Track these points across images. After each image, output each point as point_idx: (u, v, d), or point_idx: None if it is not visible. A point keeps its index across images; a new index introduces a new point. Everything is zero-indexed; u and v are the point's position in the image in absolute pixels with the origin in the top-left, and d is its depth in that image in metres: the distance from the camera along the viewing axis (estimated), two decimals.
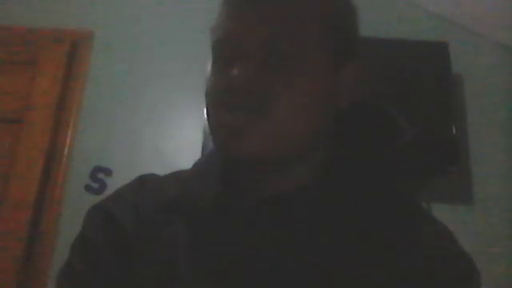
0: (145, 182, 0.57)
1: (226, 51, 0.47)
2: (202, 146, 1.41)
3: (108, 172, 1.54)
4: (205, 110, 0.50)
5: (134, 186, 0.57)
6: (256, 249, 0.47)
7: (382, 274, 0.44)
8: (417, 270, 0.45)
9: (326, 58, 0.47)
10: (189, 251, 0.48)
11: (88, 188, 1.52)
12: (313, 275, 0.45)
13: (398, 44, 1.57)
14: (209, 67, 0.50)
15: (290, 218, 0.48)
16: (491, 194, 1.56)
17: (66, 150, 1.57)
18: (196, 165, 0.58)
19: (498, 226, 1.52)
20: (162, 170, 0.61)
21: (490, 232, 1.50)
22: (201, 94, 0.52)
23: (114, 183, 1.51)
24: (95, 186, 1.52)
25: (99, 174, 1.54)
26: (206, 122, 0.50)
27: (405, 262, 0.45)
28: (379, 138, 0.52)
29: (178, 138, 1.59)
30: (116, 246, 0.50)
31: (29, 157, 1.54)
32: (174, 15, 1.76)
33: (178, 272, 0.47)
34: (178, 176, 0.58)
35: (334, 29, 0.48)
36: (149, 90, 1.66)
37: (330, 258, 0.46)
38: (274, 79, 0.44)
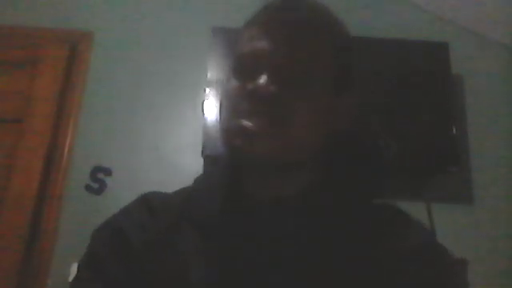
0: (148, 201, 0.59)
1: (251, 64, 0.51)
2: (202, 146, 1.41)
3: (108, 172, 1.54)
4: (219, 114, 0.54)
5: (138, 204, 0.59)
6: (256, 249, 0.48)
7: (372, 272, 0.46)
8: (391, 269, 0.46)
9: (328, 85, 0.52)
10: (197, 264, 0.50)
11: (88, 188, 1.52)
12: (313, 275, 0.46)
13: (398, 44, 1.57)
14: (227, 77, 0.54)
15: (290, 219, 0.50)
16: (491, 194, 1.56)
17: (66, 150, 1.57)
18: (197, 181, 0.61)
19: (498, 226, 1.52)
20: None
21: (490, 232, 1.50)
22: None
23: (114, 183, 1.52)
24: (95, 185, 1.53)
25: (99, 173, 1.54)
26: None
27: (381, 260, 0.47)
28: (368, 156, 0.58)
29: (178, 138, 1.59)
30: (123, 259, 0.53)
31: (29, 157, 1.54)
32: (174, 15, 1.76)
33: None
34: (180, 194, 0.60)
35: (336, 61, 0.53)
36: (148, 90, 1.66)
37: (330, 257, 0.47)
38: (297, 93, 0.50)
